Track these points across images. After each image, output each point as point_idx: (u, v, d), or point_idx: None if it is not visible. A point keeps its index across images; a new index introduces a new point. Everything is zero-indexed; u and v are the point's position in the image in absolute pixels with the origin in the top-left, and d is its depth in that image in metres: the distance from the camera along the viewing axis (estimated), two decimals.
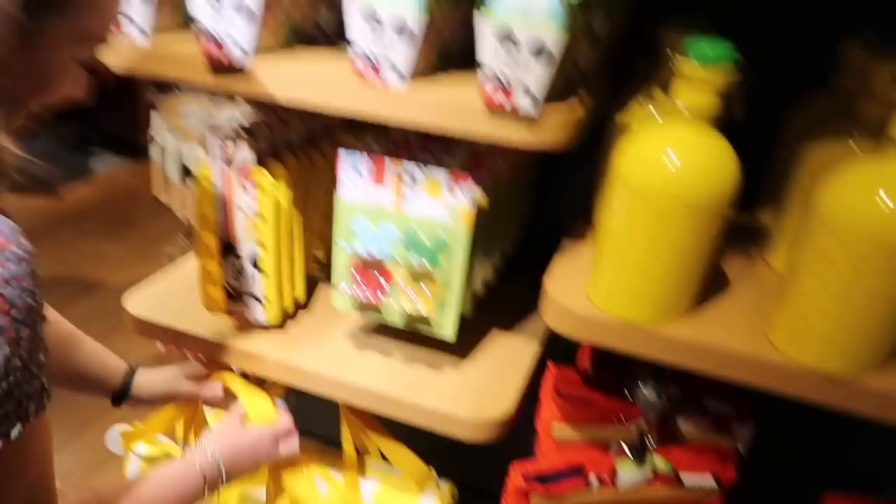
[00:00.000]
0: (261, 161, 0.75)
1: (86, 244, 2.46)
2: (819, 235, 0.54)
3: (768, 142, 0.73)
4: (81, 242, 2.47)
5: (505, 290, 0.85)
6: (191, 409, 0.88)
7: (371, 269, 0.72)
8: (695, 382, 0.75)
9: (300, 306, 0.86)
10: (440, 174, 0.67)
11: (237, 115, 1.02)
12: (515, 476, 0.69)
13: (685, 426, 0.74)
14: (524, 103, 0.57)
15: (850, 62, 0.66)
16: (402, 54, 0.59)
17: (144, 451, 0.90)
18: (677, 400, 0.72)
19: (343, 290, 0.73)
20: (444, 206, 0.67)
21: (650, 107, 0.69)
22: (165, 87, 3.45)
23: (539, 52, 0.54)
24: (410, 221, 0.69)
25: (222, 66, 0.65)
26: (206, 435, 0.74)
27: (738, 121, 0.57)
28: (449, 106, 0.60)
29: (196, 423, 0.88)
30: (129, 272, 2.29)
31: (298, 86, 0.63)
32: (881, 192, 0.50)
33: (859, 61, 0.64)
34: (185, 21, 0.74)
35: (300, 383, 0.77)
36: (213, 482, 0.68)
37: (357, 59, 0.61)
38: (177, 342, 0.82)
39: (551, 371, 0.81)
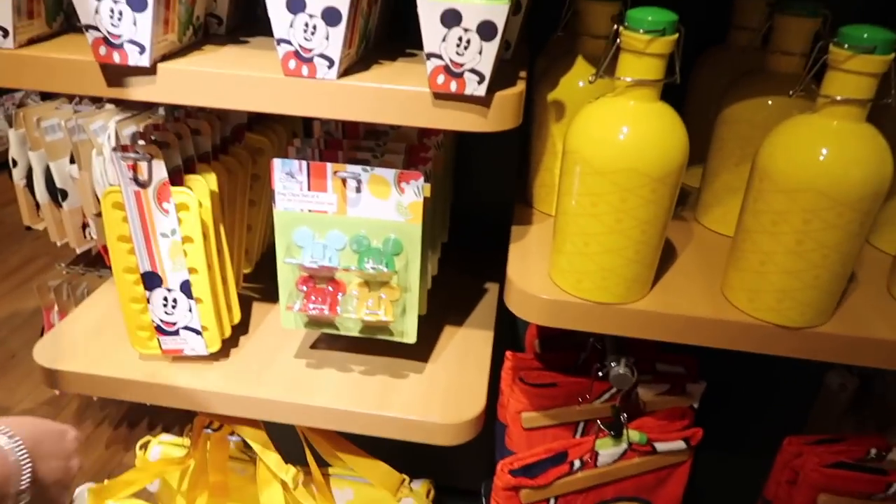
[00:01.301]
0: (176, 177, 0.68)
1: None
2: (769, 194, 0.56)
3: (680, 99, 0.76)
4: None
5: (442, 278, 0.83)
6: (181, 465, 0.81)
7: (321, 282, 0.68)
8: (645, 348, 0.78)
9: (237, 330, 0.79)
10: (387, 174, 0.63)
11: (135, 126, 0.92)
12: (502, 474, 0.68)
13: (644, 394, 0.76)
14: (474, 86, 0.54)
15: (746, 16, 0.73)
16: (332, 43, 0.55)
17: None
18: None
19: (294, 310, 0.68)
20: (393, 205, 0.64)
21: (580, 82, 0.69)
22: None
23: (486, 29, 0.52)
24: (358, 226, 0.65)
25: (120, 71, 0.57)
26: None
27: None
28: (391, 95, 0.56)
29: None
30: (1, 310, 2.05)
31: (217, 86, 0.57)
32: (825, 147, 0.53)
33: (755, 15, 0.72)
34: (56, 25, 0.65)
35: (257, 414, 0.71)
36: (9, 472, 0.55)
37: (284, 52, 0.55)
38: (109, 391, 0.73)
39: (510, 359, 0.81)
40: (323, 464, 0.89)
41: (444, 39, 0.53)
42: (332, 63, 0.55)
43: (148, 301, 0.71)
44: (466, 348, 0.79)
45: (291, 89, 0.56)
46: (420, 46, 0.53)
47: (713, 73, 0.78)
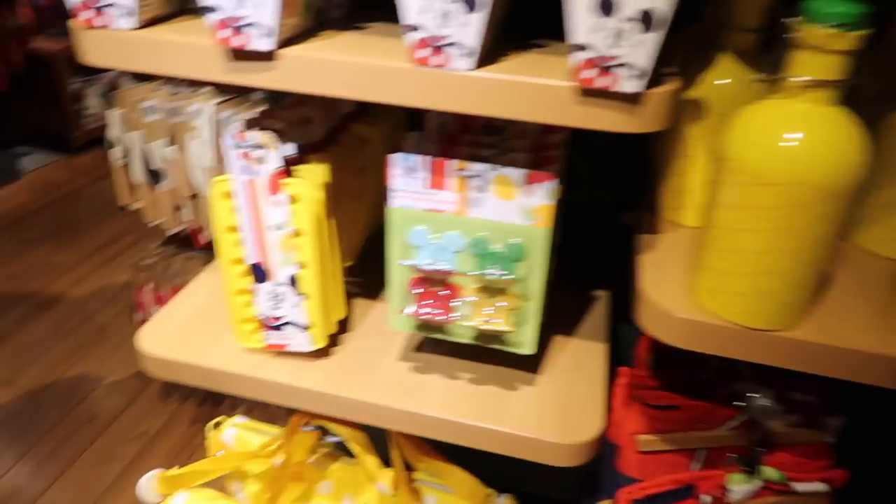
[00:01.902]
0: (287, 166, 0.66)
1: (32, 254, 2.27)
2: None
3: None
4: (26, 253, 2.27)
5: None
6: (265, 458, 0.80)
7: (436, 285, 0.64)
8: (774, 373, 0.70)
9: (339, 327, 0.77)
10: (515, 174, 0.59)
11: (233, 110, 0.91)
12: None
13: (776, 425, 0.69)
14: (627, 82, 0.49)
15: None
16: (471, 29, 0.50)
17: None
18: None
19: (405, 313, 0.64)
20: (519, 207, 0.59)
21: (721, 80, 0.62)
22: (92, 73, 3.20)
23: (646, 18, 0.46)
24: (479, 227, 0.61)
25: (242, 56, 0.54)
26: None
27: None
28: (532, 90, 0.51)
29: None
30: (90, 283, 2.12)
31: (343, 75, 0.53)
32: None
33: None
34: (174, 4, 0.62)
35: (362, 418, 0.69)
36: None
37: (413, 40, 0.51)
38: (210, 383, 0.72)
39: (624, 376, 0.75)
40: (407, 467, 0.86)
41: (595, 29, 0.47)
42: (469, 53, 0.51)
43: (254, 294, 0.69)
44: (578, 361, 0.74)
45: (423, 80, 0.52)
46: (545, 35, 0.48)
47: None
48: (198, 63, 0.55)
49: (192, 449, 1.51)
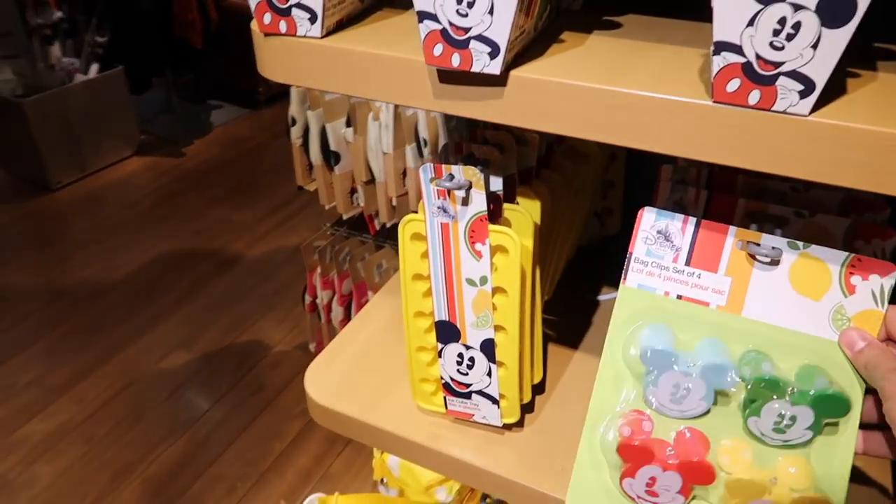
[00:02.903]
0: (495, 204, 0.52)
1: (215, 212, 2.36)
2: None
3: None
4: (210, 210, 2.37)
5: None
6: None
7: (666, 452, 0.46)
8: None
9: (535, 388, 0.63)
10: (829, 256, 0.40)
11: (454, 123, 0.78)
12: None
13: None
14: None
15: None
16: (822, 57, 0.32)
17: None
18: None
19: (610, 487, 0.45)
20: (828, 313, 0.40)
21: None
22: None
23: None
24: (757, 337, 0.42)
25: (459, 78, 0.40)
26: None
27: None
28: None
29: None
30: (265, 245, 2.17)
31: (606, 112, 0.37)
32: None
33: None
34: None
35: None
36: None
37: (724, 65, 0.33)
38: (383, 445, 0.62)
39: None
40: None
41: None
42: (808, 88, 0.32)
43: (439, 354, 0.56)
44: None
45: (743, 128, 0.34)
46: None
47: None
48: (402, 86, 0.41)
49: (357, 467, 1.46)
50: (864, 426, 0.40)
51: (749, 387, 0.40)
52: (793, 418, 0.39)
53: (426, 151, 1.14)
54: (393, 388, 0.63)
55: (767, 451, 0.41)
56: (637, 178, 0.79)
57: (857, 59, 0.38)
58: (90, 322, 1.83)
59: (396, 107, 1.12)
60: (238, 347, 1.76)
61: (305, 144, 1.26)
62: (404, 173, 1.19)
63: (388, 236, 1.33)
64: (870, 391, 0.39)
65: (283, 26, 0.43)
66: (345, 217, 1.30)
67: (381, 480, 1.13)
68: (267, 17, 0.43)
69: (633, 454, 0.42)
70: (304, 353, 1.72)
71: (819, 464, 0.40)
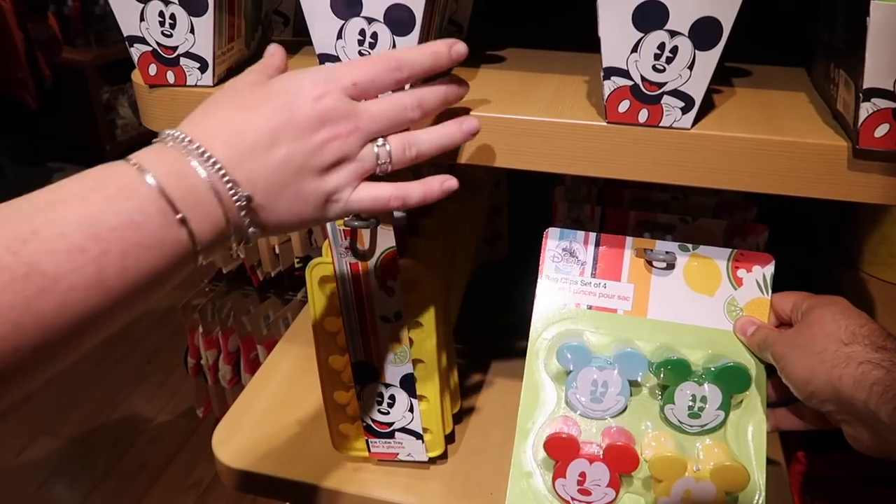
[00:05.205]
0: (403, 242, 0.52)
1: None
2: None
3: None
4: None
5: None
6: None
7: (609, 444, 0.45)
8: None
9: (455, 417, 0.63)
10: (716, 254, 0.44)
11: None
12: None
13: None
14: None
15: None
16: (697, 76, 0.35)
17: None
18: None
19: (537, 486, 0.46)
20: (722, 306, 0.44)
21: None
22: (122, 80, 3.10)
23: None
24: (665, 333, 0.45)
25: None
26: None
27: None
28: (781, 152, 0.36)
29: None
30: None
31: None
32: None
33: None
34: (254, 44, 0.48)
35: None
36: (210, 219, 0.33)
37: (614, 88, 0.36)
38: (299, 498, 0.59)
39: (800, 463, 0.60)
40: None
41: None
42: (688, 104, 0.36)
43: (358, 397, 0.55)
44: None
45: (626, 143, 0.37)
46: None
47: None
48: None
49: (252, 498, 1.39)
50: (771, 405, 0.44)
51: (660, 374, 0.43)
52: (704, 399, 0.43)
53: None
54: (309, 439, 0.61)
55: (687, 440, 0.44)
56: (517, 202, 0.83)
57: (716, 78, 0.42)
58: None
59: None
60: (112, 426, 1.61)
61: None
62: None
63: (273, 286, 1.29)
64: (770, 375, 0.43)
65: (170, 77, 0.41)
66: (224, 270, 1.24)
67: None
68: (152, 69, 0.41)
69: (561, 448, 0.44)
70: (190, 420, 1.61)
71: (736, 443, 0.43)
